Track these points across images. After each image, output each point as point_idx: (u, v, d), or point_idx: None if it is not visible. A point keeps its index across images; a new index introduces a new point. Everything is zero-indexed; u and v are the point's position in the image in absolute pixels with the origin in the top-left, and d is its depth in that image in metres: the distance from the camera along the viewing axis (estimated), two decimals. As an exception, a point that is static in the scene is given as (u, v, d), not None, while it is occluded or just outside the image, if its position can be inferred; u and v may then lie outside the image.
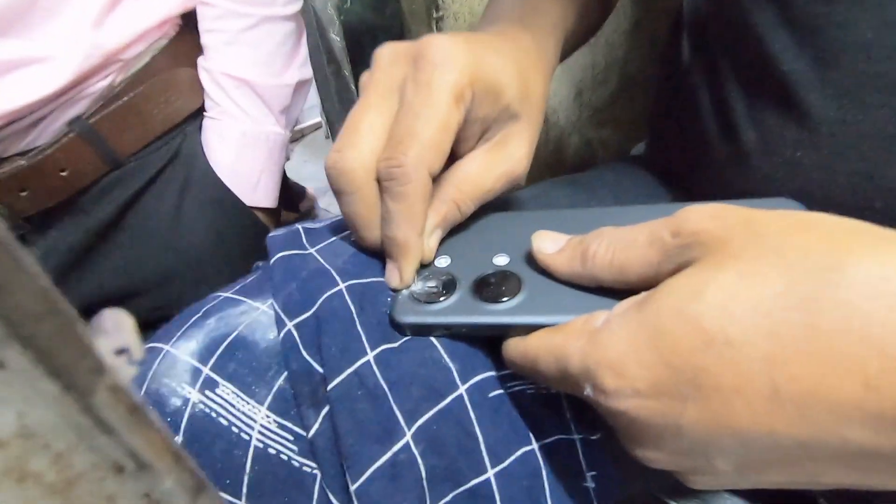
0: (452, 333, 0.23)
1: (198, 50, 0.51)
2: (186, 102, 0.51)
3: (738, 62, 0.28)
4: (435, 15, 0.56)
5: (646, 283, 0.19)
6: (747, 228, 0.16)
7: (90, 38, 0.41)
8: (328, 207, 1.98)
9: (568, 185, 0.37)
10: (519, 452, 0.22)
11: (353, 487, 0.20)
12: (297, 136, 2.53)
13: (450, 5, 0.56)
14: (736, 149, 0.28)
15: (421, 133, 0.22)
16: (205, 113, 0.52)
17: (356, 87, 0.97)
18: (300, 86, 0.55)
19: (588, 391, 0.18)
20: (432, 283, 0.24)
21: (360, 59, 0.86)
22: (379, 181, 0.23)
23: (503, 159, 0.26)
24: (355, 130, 0.24)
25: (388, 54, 0.25)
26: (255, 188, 0.53)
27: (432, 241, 0.25)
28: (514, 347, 0.21)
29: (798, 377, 0.14)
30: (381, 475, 0.20)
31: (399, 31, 0.64)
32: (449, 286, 0.24)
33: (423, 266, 0.26)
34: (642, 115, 0.79)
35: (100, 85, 0.45)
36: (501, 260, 0.25)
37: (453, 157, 0.26)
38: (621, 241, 0.19)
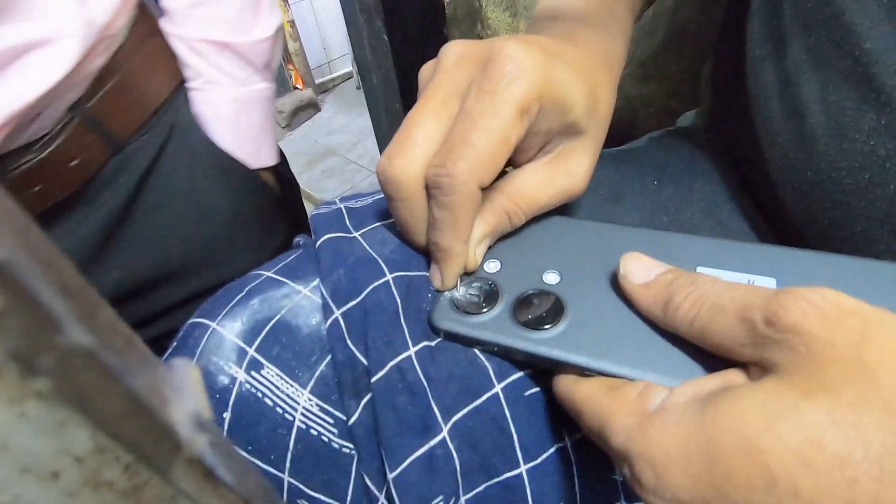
0: (487, 350, 0.23)
1: (155, 16, 0.49)
2: (171, 74, 0.49)
3: (812, 35, 0.25)
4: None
5: (724, 354, 0.17)
6: (860, 352, 0.13)
7: (80, 14, 0.39)
8: (357, 160, 1.97)
9: (612, 165, 0.35)
10: (552, 450, 0.22)
11: (390, 476, 0.21)
12: (327, 87, 2.50)
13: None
14: (802, 132, 0.26)
15: (476, 144, 0.21)
16: (187, 84, 0.50)
17: (388, 36, 0.94)
18: (277, 33, 0.52)
19: (626, 472, 0.17)
20: (474, 292, 0.24)
21: (394, 7, 0.82)
22: (427, 187, 0.23)
23: (562, 175, 0.25)
24: (408, 137, 0.23)
25: (455, 55, 0.23)
26: (258, 150, 0.53)
27: (479, 251, 0.24)
28: (562, 388, 0.20)
29: None
30: (417, 466, 0.21)
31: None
32: (491, 298, 0.23)
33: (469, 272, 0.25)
34: (689, 69, 0.74)
35: (94, 65, 0.43)
36: (552, 278, 0.23)
37: (508, 163, 0.25)
38: (710, 302, 0.17)
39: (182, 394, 0.08)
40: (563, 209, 0.31)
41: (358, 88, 2.35)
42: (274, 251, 0.56)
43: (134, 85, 0.46)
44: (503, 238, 0.26)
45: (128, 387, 0.06)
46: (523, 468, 0.22)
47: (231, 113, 0.50)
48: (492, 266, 0.25)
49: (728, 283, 0.18)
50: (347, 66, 2.48)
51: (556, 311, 0.22)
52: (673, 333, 0.19)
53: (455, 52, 0.23)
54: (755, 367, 0.16)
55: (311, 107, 2.22)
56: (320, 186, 1.81)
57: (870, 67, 0.22)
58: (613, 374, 0.19)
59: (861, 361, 0.13)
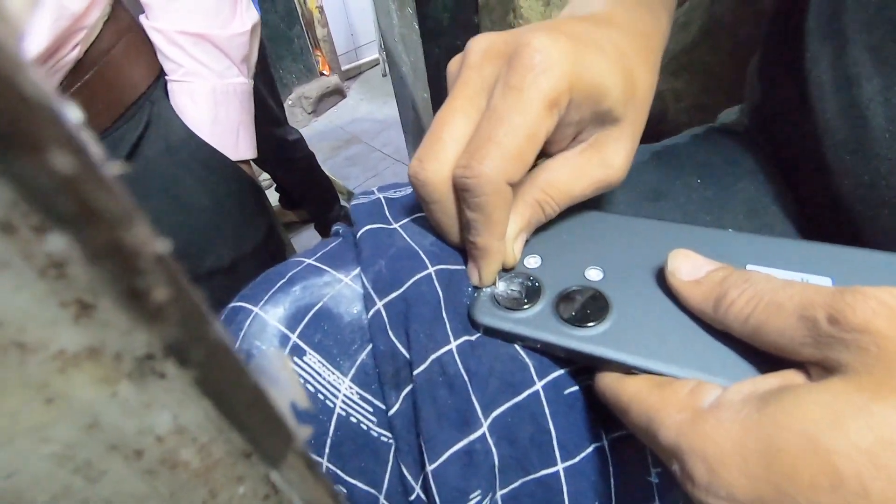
0: (529, 347, 0.23)
1: (131, 11, 0.50)
2: (149, 68, 0.50)
3: (875, 34, 0.24)
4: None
5: (780, 353, 0.16)
6: None
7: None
8: (381, 148, 1.97)
9: (652, 162, 0.34)
10: (590, 449, 0.22)
11: (430, 468, 0.21)
12: (353, 74, 2.50)
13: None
14: (860, 133, 0.25)
15: (503, 141, 0.21)
16: (167, 77, 0.51)
17: (419, 25, 0.93)
18: (254, 29, 0.54)
19: (675, 469, 0.16)
20: (515, 288, 0.23)
21: (426, -4, 0.82)
22: (455, 188, 0.22)
23: (597, 165, 0.24)
24: (438, 139, 0.22)
25: (481, 49, 0.23)
26: (236, 143, 0.54)
27: (517, 246, 0.24)
28: (607, 386, 0.20)
29: None
30: (456, 459, 0.21)
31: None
32: (532, 294, 0.23)
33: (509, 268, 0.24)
34: (724, 64, 0.72)
35: (70, 56, 0.44)
36: (594, 274, 0.23)
37: (542, 154, 0.24)
38: (766, 299, 0.17)
39: (278, 384, 0.08)
40: (604, 205, 0.31)
41: (384, 76, 2.35)
42: (256, 243, 0.58)
43: (111, 77, 0.47)
44: (543, 233, 0.25)
45: (254, 381, 0.06)
46: (560, 466, 0.22)
47: (209, 104, 0.51)
48: (532, 262, 0.24)
49: (784, 280, 0.17)
50: (374, 53, 2.47)
51: (600, 308, 0.21)
52: (723, 332, 0.19)
53: (481, 46, 0.23)
54: (816, 368, 0.16)
55: (337, 93, 2.23)
56: (344, 174, 1.82)
57: None
58: (661, 373, 0.19)
59: None
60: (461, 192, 0.22)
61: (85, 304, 0.06)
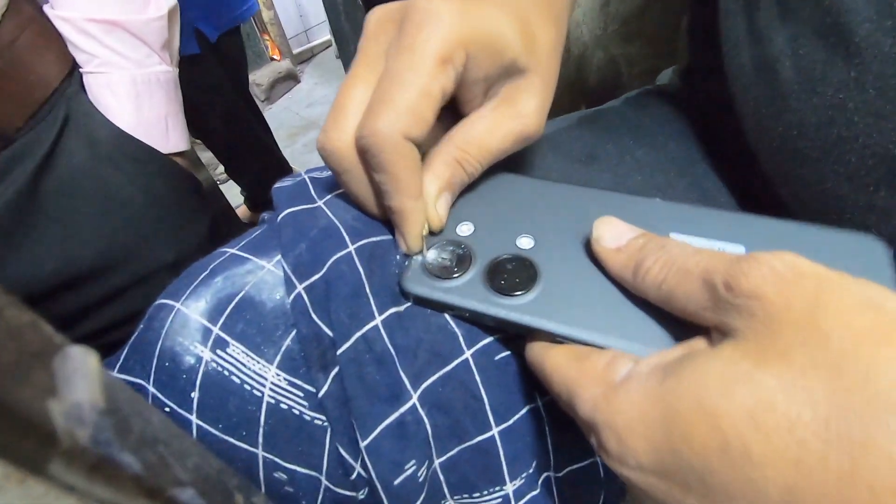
0: (457, 315, 0.23)
1: (30, 2, 0.46)
2: (59, 61, 0.46)
3: None
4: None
5: (689, 318, 0.17)
6: (813, 315, 0.13)
7: None
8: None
9: (585, 125, 0.34)
10: (523, 411, 0.22)
11: (362, 444, 0.21)
12: (306, 57, 2.43)
13: None
14: (772, 87, 0.25)
15: (395, 98, 0.21)
16: (81, 69, 0.47)
17: (365, 4, 0.90)
18: (172, 14, 0.50)
19: (593, 441, 0.17)
20: (446, 256, 0.23)
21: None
22: (360, 154, 0.22)
23: (510, 117, 0.24)
24: (341, 108, 0.23)
25: (376, 20, 0.23)
26: (166, 135, 0.51)
27: (440, 206, 0.24)
28: (534, 355, 0.20)
29: None
30: (388, 433, 0.21)
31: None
32: (463, 262, 0.23)
33: (441, 233, 0.24)
34: (675, 29, 0.73)
35: None
36: (526, 242, 0.23)
37: (459, 116, 0.24)
38: (677, 266, 0.17)
39: (72, 383, 0.07)
40: (537, 170, 0.30)
41: (338, 58, 2.28)
42: (200, 238, 0.56)
43: (17, 74, 0.43)
44: (477, 201, 0.25)
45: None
46: (495, 430, 0.22)
47: (131, 96, 0.48)
48: (465, 229, 0.24)
49: (696, 248, 0.17)
50: (326, 35, 2.40)
51: (529, 277, 0.21)
52: (644, 300, 0.19)
53: (376, 16, 0.23)
54: (716, 332, 0.16)
55: (290, 78, 2.16)
56: (303, 161, 1.78)
57: (839, 17, 0.22)
58: (584, 342, 0.19)
59: (814, 325, 0.13)
60: (365, 156, 0.22)
61: None
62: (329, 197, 0.26)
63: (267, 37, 2.07)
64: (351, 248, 0.23)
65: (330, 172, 0.29)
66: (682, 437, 0.14)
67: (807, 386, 0.13)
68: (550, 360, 0.19)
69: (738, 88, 0.27)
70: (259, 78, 2.03)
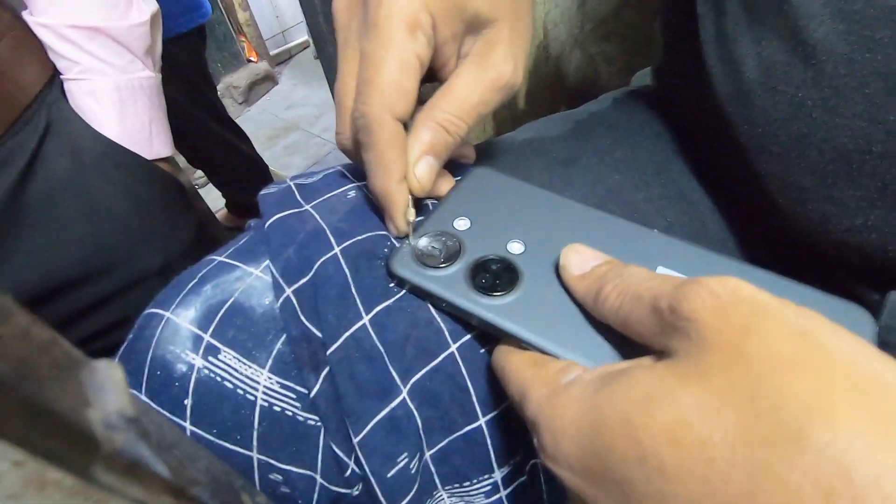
0: (435, 304, 0.23)
1: (7, 9, 0.45)
2: (40, 69, 0.46)
3: None
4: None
5: (644, 343, 0.17)
6: (741, 340, 0.14)
7: None
8: (321, 134, 1.92)
9: (565, 127, 0.35)
10: (508, 401, 0.23)
11: (355, 440, 0.22)
12: (284, 58, 2.40)
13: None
14: (738, 86, 0.26)
15: (377, 78, 0.22)
16: (62, 76, 0.47)
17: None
18: (154, 19, 0.50)
19: (535, 440, 0.17)
20: (436, 246, 0.24)
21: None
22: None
23: (487, 68, 0.24)
24: (342, 107, 0.24)
25: (343, 7, 0.24)
26: (150, 141, 0.51)
27: (419, 170, 0.24)
28: (497, 359, 0.21)
29: None
30: (380, 428, 0.22)
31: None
32: (451, 255, 0.23)
33: (434, 220, 0.25)
34: (650, 26, 0.74)
35: None
36: (516, 247, 0.23)
37: (440, 82, 0.25)
38: (631, 292, 0.18)
39: (103, 394, 0.07)
40: (520, 171, 0.31)
41: (316, 58, 2.27)
42: (185, 244, 0.56)
43: None
44: (479, 200, 0.26)
45: (25, 396, 0.06)
46: (482, 420, 0.23)
47: (115, 102, 0.48)
48: (461, 224, 0.24)
49: (650, 273, 0.18)
50: (303, 35, 2.38)
51: (510, 281, 0.22)
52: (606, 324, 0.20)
53: (342, 3, 0.24)
54: (663, 355, 0.16)
55: (268, 80, 2.14)
56: (284, 163, 1.77)
57: (798, 21, 0.23)
58: (547, 351, 0.20)
59: (739, 350, 0.14)
60: (357, 137, 0.23)
61: None
62: (316, 202, 0.27)
63: (243, 38, 2.05)
64: (336, 249, 0.24)
65: (314, 179, 0.29)
66: (607, 446, 0.15)
67: (721, 408, 0.13)
68: (511, 362, 0.20)
69: (707, 88, 0.29)
70: (236, 80, 2.01)
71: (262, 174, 1.33)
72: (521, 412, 0.19)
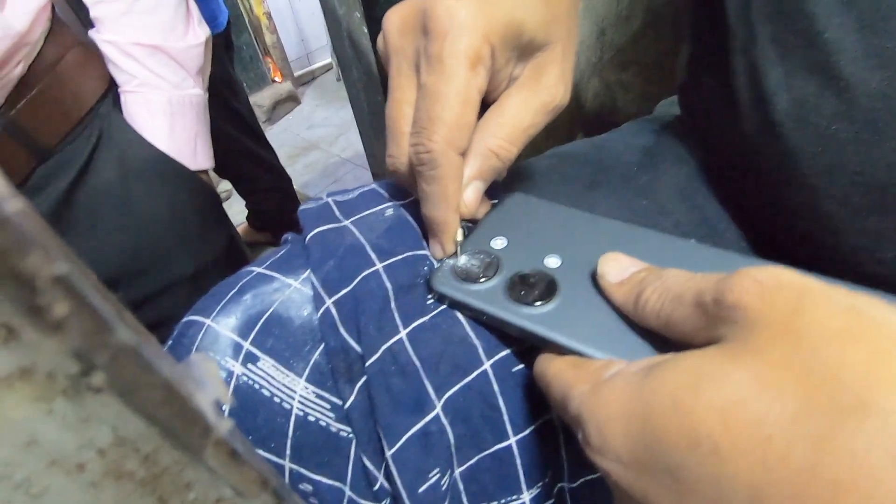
0: (475, 318, 0.24)
1: (74, 27, 0.49)
2: (97, 82, 0.50)
3: (777, 26, 0.26)
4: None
5: (689, 342, 0.17)
6: (791, 319, 0.14)
7: None
8: (340, 153, 1.96)
9: (591, 152, 0.35)
10: (539, 421, 0.23)
11: (389, 453, 0.22)
12: (307, 79, 2.47)
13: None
14: (767, 118, 0.27)
15: (442, 115, 0.22)
16: (120, 89, 0.51)
17: (368, 28, 0.92)
18: (208, 42, 0.54)
19: (580, 436, 0.17)
20: (476, 263, 0.24)
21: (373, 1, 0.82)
22: (412, 166, 0.24)
23: (538, 90, 0.25)
24: (398, 131, 0.24)
25: (396, 30, 0.24)
26: (194, 153, 0.54)
27: (468, 195, 0.25)
28: (539, 367, 0.21)
29: None
30: (414, 443, 0.22)
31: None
32: (490, 271, 0.24)
33: (475, 241, 0.26)
34: (667, 55, 0.75)
35: (14, 73, 0.43)
36: (553, 262, 0.24)
37: (484, 104, 0.25)
38: (672, 293, 0.17)
39: (204, 384, 0.08)
40: (543, 197, 0.32)
41: (338, 80, 2.33)
42: (217, 252, 0.58)
43: (58, 93, 0.46)
44: (516, 220, 0.27)
45: (164, 378, 0.07)
46: (512, 440, 0.23)
47: (166, 115, 0.51)
48: (498, 242, 0.25)
49: (689, 273, 0.18)
50: (326, 58, 2.45)
51: (548, 291, 0.22)
52: (648, 329, 0.19)
53: (394, 25, 0.24)
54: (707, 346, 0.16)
55: (291, 100, 2.20)
56: (304, 181, 1.80)
57: (830, 56, 0.23)
58: (587, 356, 0.20)
59: (790, 328, 0.13)
60: (417, 168, 0.23)
61: (10, 328, 0.06)
62: (355, 218, 0.28)
63: (269, 59, 2.12)
64: (378, 265, 0.25)
65: (351, 196, 0.30)
66: (656, 434, 0.14)
67: (777, 381, 0.13)
68: (552, 367, 0.20)
69: (736, 119, 0.29)
70: (261, 99, 2.07)
71: (287, 186, 1.35)
72: (563, 414, 0.18)
